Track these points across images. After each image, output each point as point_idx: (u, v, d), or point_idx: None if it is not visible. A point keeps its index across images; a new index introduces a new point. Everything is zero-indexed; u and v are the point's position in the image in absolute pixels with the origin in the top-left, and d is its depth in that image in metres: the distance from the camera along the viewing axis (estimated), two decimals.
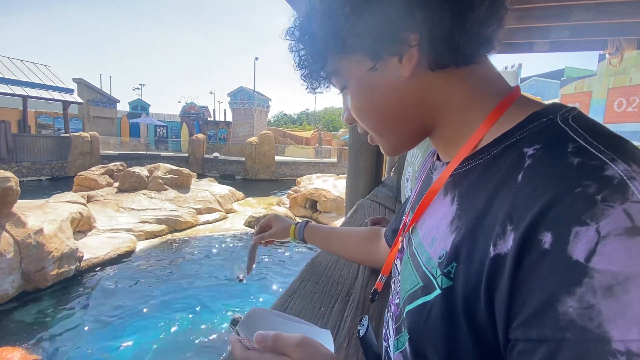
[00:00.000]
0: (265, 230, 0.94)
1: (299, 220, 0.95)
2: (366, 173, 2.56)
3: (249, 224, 9.77)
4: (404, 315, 0.36)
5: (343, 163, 18.66)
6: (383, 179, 3.23)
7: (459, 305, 0.28)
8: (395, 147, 0.42)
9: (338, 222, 9.34)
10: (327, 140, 28.47)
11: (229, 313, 5.22)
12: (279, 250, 8.24)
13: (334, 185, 11.16)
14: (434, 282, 0.31)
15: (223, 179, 17.88)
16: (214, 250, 8.02)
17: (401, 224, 0.50)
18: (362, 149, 2.52)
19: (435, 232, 0.34)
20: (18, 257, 5.28)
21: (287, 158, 22.48)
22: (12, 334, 4.60)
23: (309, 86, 0.43)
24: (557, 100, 11.12)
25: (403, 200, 1.14)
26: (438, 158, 0.44)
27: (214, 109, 31.31)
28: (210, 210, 10.61)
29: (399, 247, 0.46)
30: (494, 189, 0.28)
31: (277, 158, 20.82)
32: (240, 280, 6.51)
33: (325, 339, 0.42)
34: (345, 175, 2.78)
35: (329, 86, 0.44)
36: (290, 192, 12.06)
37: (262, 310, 0.50)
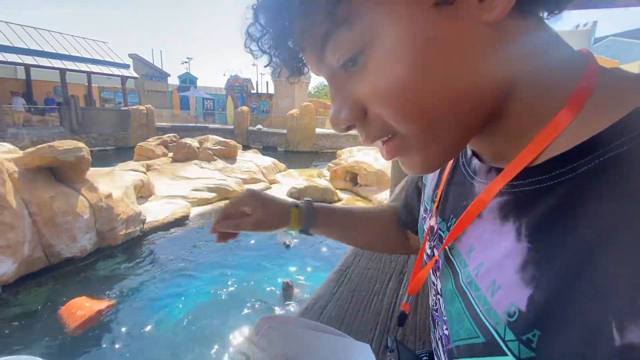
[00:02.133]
0: (235, 216, 0.60)
1: (294, 201, 0.65)
2: None
3: (290, 194, 10.08)
4: None
5: None
6: None
7: None
8: (446, 153, 0.27)
9: (379, 196, 9.31)
10: None
11: (279, 279, 5.58)
12: None
13: (375, 159, 11.00)
14: (503, 346, 0.22)
15: (266, 150, 18.18)
16: None
17: (426, 224, 0.38)
18: None
19: (496, 274, 0.24)
20: (93, 218, 6.02)
21: (328, 130, 22.33)
22: (92, 284, 5.38)
23: (285, 60, 0.27)
24: None
25: None
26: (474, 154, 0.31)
27: (257, 81, 31.66)
28: (255, 181, 11.08)
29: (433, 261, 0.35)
30: (599, 231, 0.18)
31: (318, 130, 20.74)
32: (287, 246, 6.83)
33: (365, 355, 0.35)
34: None
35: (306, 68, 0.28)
36: (330, 164, 12.10)
37: (281, 322, 0.40)
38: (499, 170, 0.25)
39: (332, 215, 0.62)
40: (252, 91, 28.52)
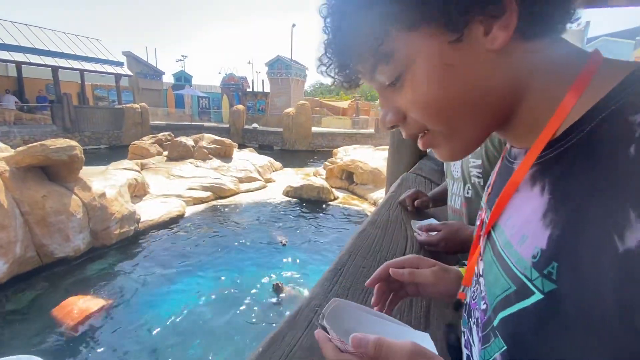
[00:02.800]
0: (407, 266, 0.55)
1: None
2: (410, 144, 2.41)
3: (287, 193, 10.06)
4: (496, 323, 0.31)
5: (381, 134, 18.21)
6: (428, 151, 3.09)
7: (570, 310, 0.23)
8: (468, 145, 0.35)
9: (375, 195, 9.32)
10: (364, 110, 27.71)
11: (273, 276, 5.56)
12: (319, 215, 8.47)
13: (371, 157, 11.02)
14: (530, 285, 0.26)
15: (262, 149, 18.12)
16: (256, 217, 8.39)
17: (477, 222, 0.43)
18: None
19: (525, 229, 0.29)
20: (86, 217, 5.96)
21: (324, 129, 22.31)
22: (86, 283, 5.32)
23: (345, 80, 0.37)
24: None
25: (448, 178, 1.12)
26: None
27: (252, 80, 31.39)
28: (251, 180, 11.04)
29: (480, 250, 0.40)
30: (598, 170, 0.24)
31: (314, 129, 20.71)
32: (283, 245, 6.80)
33: (425, 344, 0.36)
34: (383, 147, 2.73)
35: (359, 80, 0.37)
36: (326, 163, 12.09)
37: (347, 303, 0.43)
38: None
39: None
40: (248, 89, 28.35)
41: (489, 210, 0.38)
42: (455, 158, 0.37)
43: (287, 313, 0.68)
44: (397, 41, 0.31)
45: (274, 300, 5.02)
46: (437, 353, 0.34)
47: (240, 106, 22.59)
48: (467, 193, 0.95)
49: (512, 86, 0.31)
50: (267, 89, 26.71)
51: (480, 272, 0.37)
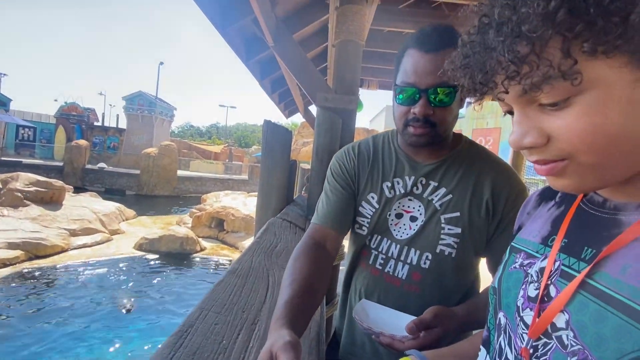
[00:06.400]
0: None
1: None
2: (278, 191, 2.50)
3: (139, 246, 8.43)
4: None
5: (255, 180, 18.19)
6: (294, 197, 3.21)
7: None
8: (602, 181, 0.34)
9: (247, 242, 8.80)
10: (238, 156, 27.52)
11: (111, 349, 4.22)
12: (182, 270, 7.28)
13: (244, 204, 10.62)
14: None
15: (110, 194, 15.63)
16: (93, 279, 6.68)
17: (533, 269, 0.41)
18: (275, 167, 2.43)
19: None
20: None
21: (192, 173, 20.90)
22: None
23: (478, 84, 0.34)
24: None
25: (374, 234, 0.84)
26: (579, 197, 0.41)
27: (103, 113, 27.62)
28: (89, 231, 8.86)
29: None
30: None
31: (180, 172, 19.22)
32: (128, 311, 5.48)
33: None
34: (257, 194, 2.64)
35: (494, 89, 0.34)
36: (193, 210, 11.03)
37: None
38: None
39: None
40: (96, 123, 24.54)
41: (569, 258, 0.37)
42: (579, 191, 0.37)
43: None
44: (583, 62, 0.29)
45: None
46: None
47: (82, 141, 19.17)
48: (424, 263, 0.78)
49: None
50: (123, 125, 23.78)
51: (565, 325, 0.34)
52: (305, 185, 3.86)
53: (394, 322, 0.69)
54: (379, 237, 0.82)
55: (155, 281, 6.84)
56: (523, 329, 0.38)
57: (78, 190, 12.60)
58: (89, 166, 18.30)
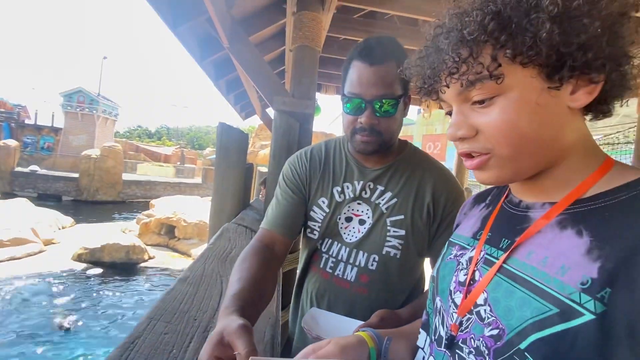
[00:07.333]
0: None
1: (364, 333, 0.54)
2: (233, 196, 2.40)
3: (78, 257, 7.72)
4: (525, 345, 0.35)
5: (209, 184, 17.51)
6: (251, 202, 3.13)
7: (619, 329, 0.29)
8: (516, 175, 0.42)
9: (199, 250, 8.43)
10: (191, 159, 26.34)
11: None
12: (128, 281, 6.75)
13: (195, 209, 10.17)
14: (579, 308, 0.32)
15: (43, 199, 14.21)
16: (23, 296, 5.95)
17: (464, 258, 0.49)
18: (230, 170, 2.34)
19: (564, 260, 0.35)
20: None
21: (140, 176, 19.60)
22: None
23: (430, 92, 0.44)
24: None
25: (325, 238, 0.85)
26: (507, 197, 0.48)
27: (37, 110, 24.93)
28: (18, 242, 7.95)
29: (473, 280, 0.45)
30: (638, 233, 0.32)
31: (126, 176, 17.95)
32: (66, 330, 5.03)
33: None
34: (211, 198, 2.53)
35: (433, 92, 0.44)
36: (141, 216, 10.33)
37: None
38: (552, 203, 0.40)
39: (403, 338, 0.58)
40: (28, 121, 22.08)
41: (492, 248, 0.44)
42: (498, 182, 0.43)
43: None
44: (505, 66, 0.37)
45: None
46: None
47: (11, 141, 17.26)
48: (372, 265, 0.80)
49: (569, 142, 0.39)
50: (59, 124, 21.68)
51: (484, 302, 0.41)
52: (262, 189, 3.82)
53: (344, 328, 0.72)
54: (330, 240, 0.84)
55: (97, 295, 6.29)
56: (454, 309, 0.45)
57: (6, 195, 11.27)
58: (18, 169, 16.50)
